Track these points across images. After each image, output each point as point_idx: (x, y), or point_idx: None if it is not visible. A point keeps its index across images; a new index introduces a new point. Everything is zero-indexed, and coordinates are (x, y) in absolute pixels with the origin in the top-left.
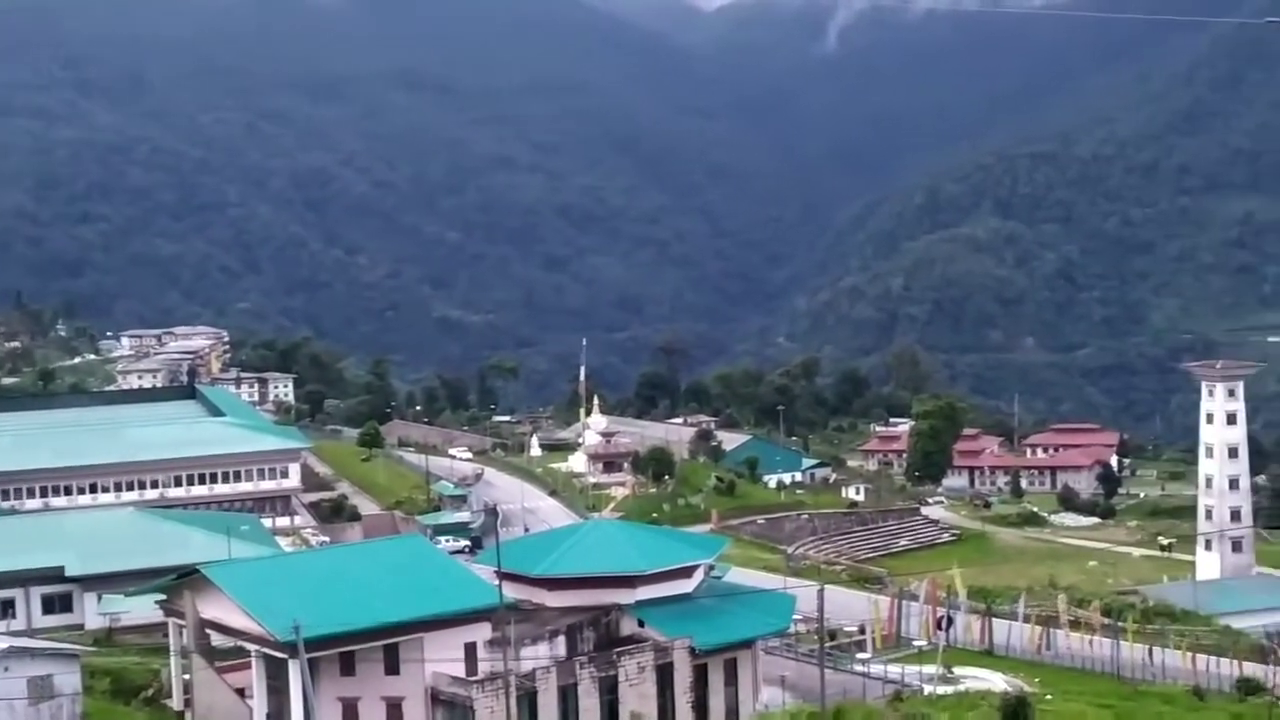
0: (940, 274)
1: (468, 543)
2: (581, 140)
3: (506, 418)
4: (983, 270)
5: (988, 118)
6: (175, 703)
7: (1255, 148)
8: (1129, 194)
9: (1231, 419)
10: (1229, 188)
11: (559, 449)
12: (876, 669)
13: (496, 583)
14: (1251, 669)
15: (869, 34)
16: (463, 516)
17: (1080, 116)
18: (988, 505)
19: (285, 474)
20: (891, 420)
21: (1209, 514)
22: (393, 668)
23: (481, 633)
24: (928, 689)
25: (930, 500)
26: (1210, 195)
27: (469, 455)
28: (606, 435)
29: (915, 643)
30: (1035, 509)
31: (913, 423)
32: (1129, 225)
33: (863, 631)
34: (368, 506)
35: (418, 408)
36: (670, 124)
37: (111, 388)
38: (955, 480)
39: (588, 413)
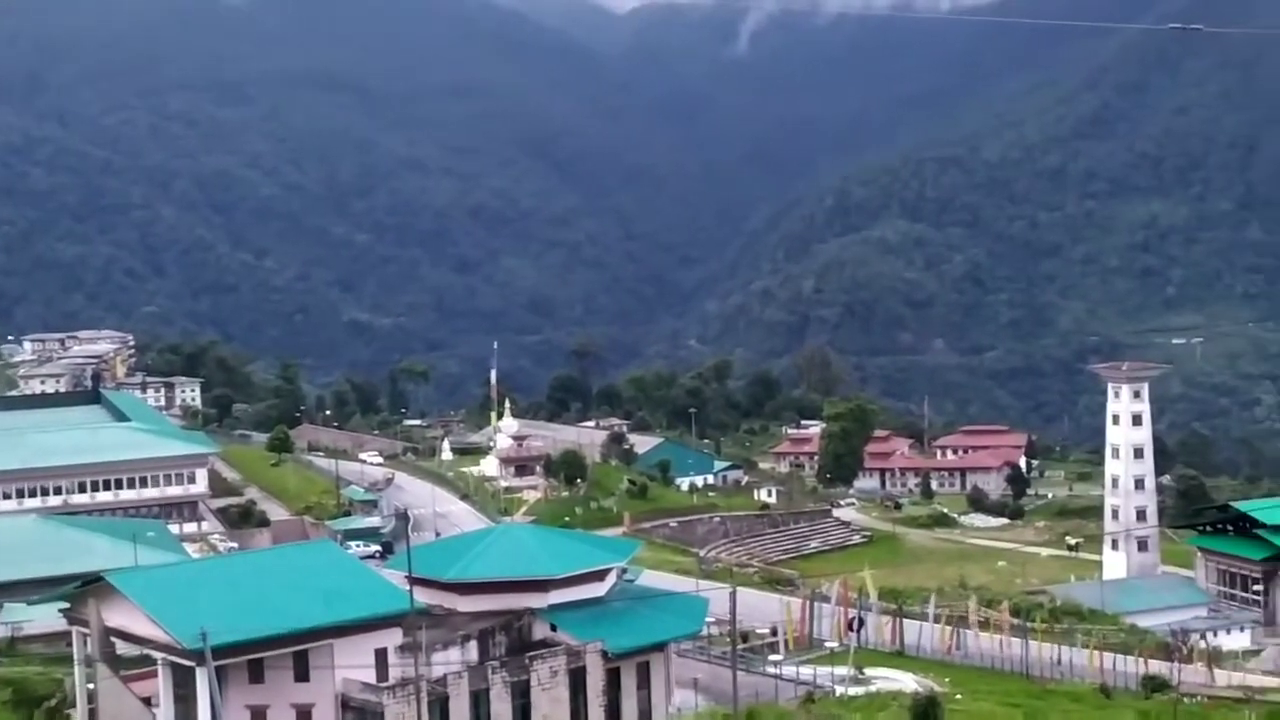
0: (850, 276)
1: (378, 548)
2: (493, 142)
3: (417, 422)
4: (892, 273)
5: (896, 121)
6: (79, 713)
7: (1159, 152)
8: (1036, 198)
9: (1137, 420)
10: (1134, 192)
11: (470, 453)
12: (788, 670)
13: (407, 588)
14: (1157, 667)
15: (780, 37)
16: (373, 521)
17: (987, 121)
18: (898, 507)
19: (192, 479)
20: (803, 422)
21: (1115, 514)
22: (302, 675)
23: (392, 638)
24: (839, 690)
25: (841, 502)
26: (1115, 199)
27: (379, 460)
28: (518, 439)
29: (827, 644)
30: (945, 510)
31: (824, 425)
32: (1036, 228)
33: (775, 633)
34: (277, 512)
35: (327, 412)
36: (582, 126)
37: (13, 393)
38: (866, 482)
39: (499, 416)
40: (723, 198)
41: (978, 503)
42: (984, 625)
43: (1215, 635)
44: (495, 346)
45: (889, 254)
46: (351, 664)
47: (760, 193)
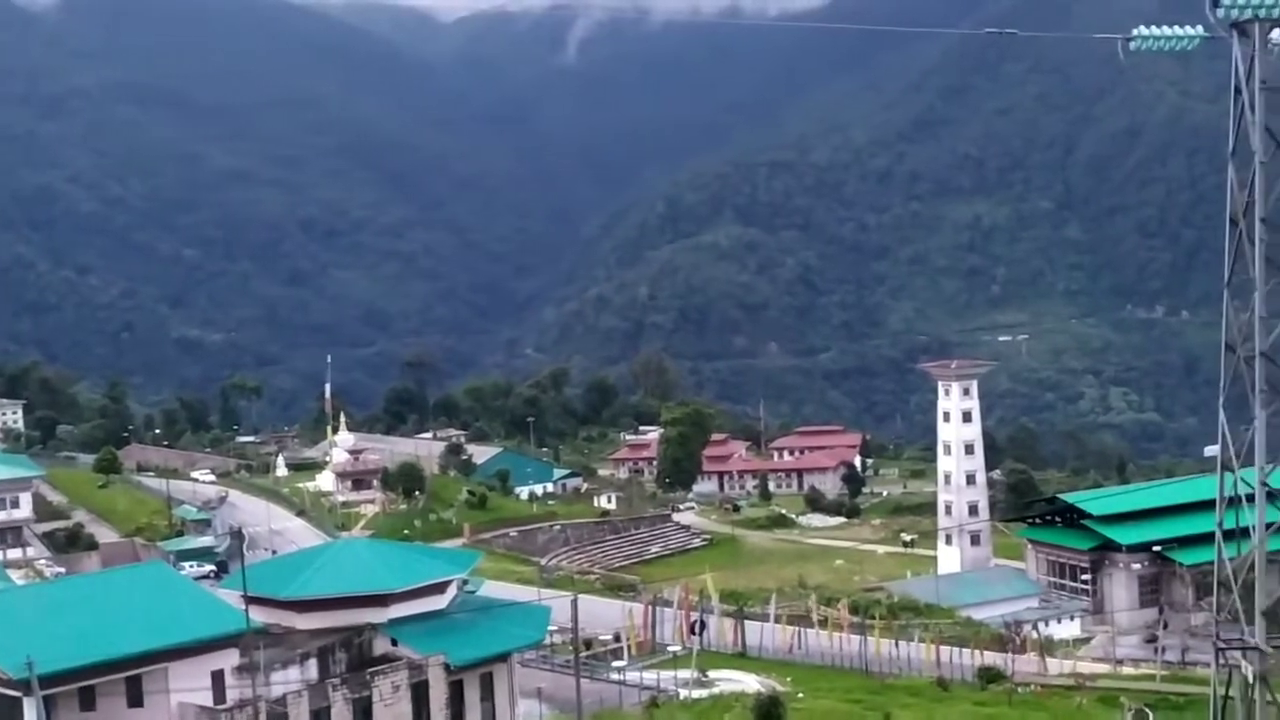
0: (684, 282)
1: (213, 567)
2: (322, 154)
3: (251, 438)
4: (725, 277)
5: (727, 126)
6: None
7: (982, 154)
8: (865, 200)
9: (967, 417)
10: (958, 193)
11: (306, 468)
12: (632, 676)
13: (243, 607)
14: (991, 658)
15: (608, 45)
16: (207, 541)
17: (816, 125)
18: (737, 509)
19: (15, 504)
20: (641, 428)
21: (948, 509)
22: (136, 700)
23: (228, 659)
24: (683, 693)
25: (681, 506)
26: (941, 200)
27: (212, 478)
28: (354, 452)
29: (670, 648)
30: (783, 511)
31: (661, 430)
32: (865, 230)
33: (618, 639)
34: (106, 534)
35: (157, 431)
36: (412, 136)
37: None
38: (705, 485)
39: (334, 430)
40: (555, 206)
41: (815, 503)
42: (824, 623)
43: (1046, 625)
44: (329, 360)
45: (722, 259)
46: (187, 687)
47: (593, 200)
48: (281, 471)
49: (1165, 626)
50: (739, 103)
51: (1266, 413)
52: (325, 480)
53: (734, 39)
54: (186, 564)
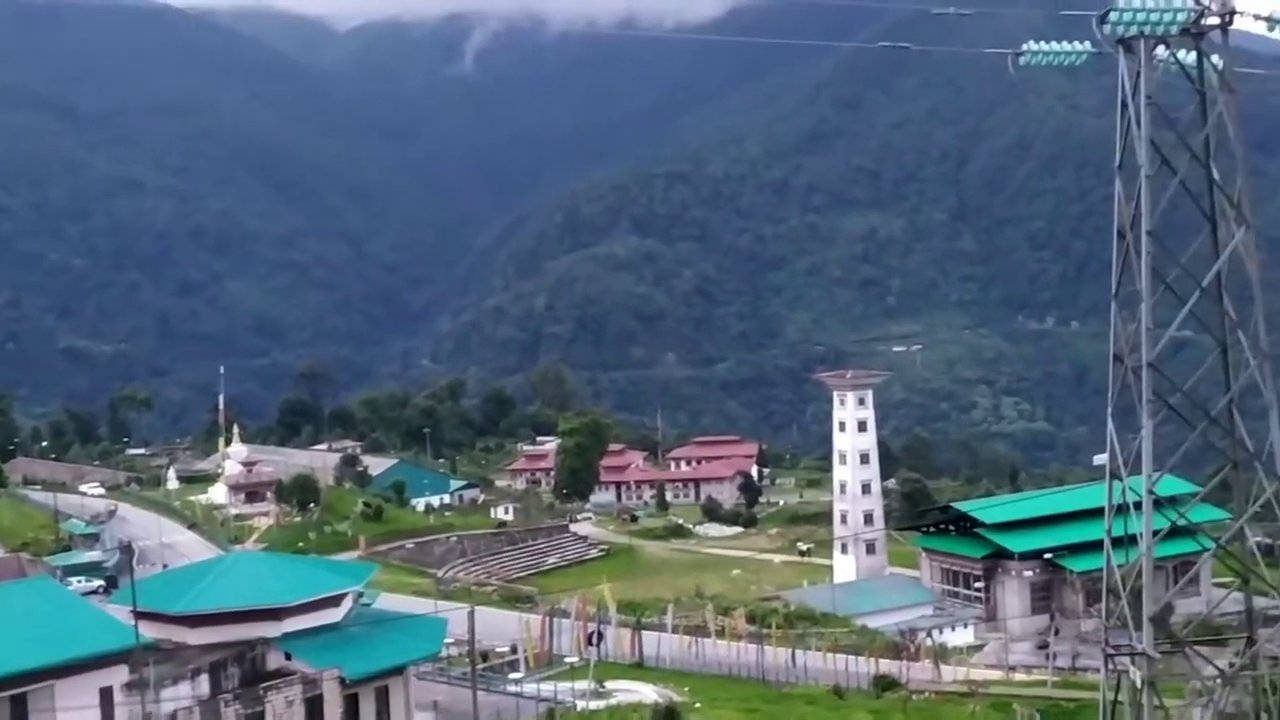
0: (582, 292)
1: (101, 582)
2: (214, 163)
3: (141, 450)
4: (623, 288)
5: (624, 138)
6: None
7: (876, 166)
8: (761, 211)
9: (862, 426)
10: (853, 204)
11: (198, 481)
12: (529, 688)
13: (133, 623)
14: (887, 666)
15: (504, 55)
16: (95, 555)
17: (712, 136)
18: (634, 519)
19: None
20: (538, 439)
21: (844, 518)
22: (21, 718)
23: (117, 676)
24: (580, 705)
25: (578, 517)
26: (836, 212)
27: (101, 491)
28: (248, 464)
29: (567, 659)
30: (681, 521)
31: (559, 441)
32: (761, 241)
33: (515, 651)
34: None
35: (44, 444)
36: (306, 146)
37: None
38: (602, 496)
39: (227, 442)
40: (451, 216)
41: (712, 512)
42: (721, 633)
43: (941, 632)
44: (222, 371)
45: (619, 269)
46: (74, 705)
47: (489, 210)
48: (173, 484)
49: (1056, 633)
50: (636, 114)
51: (1153, 422)
52: (218, 493)
53: (631, 50)
54: (74, 579)
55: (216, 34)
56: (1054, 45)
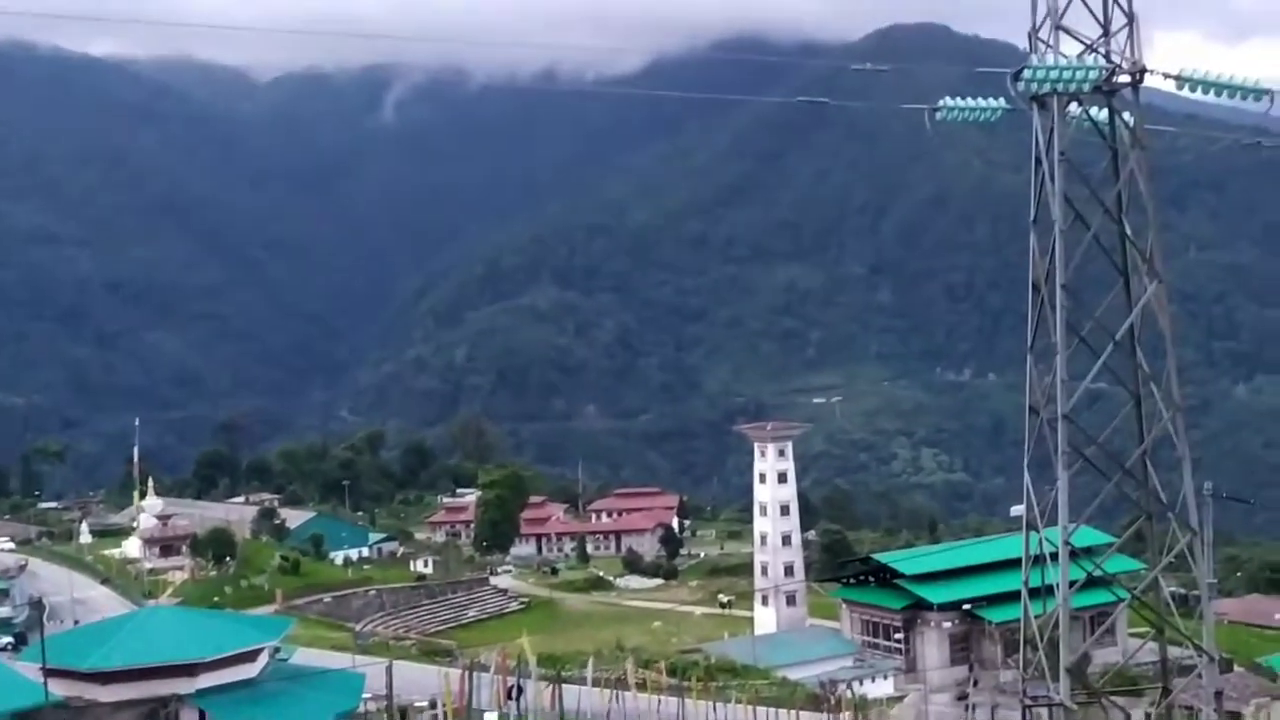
0: (502, 344)
1: (10, 639)
2: (134, 213)
3: (53, 504)
4: (544, 340)
5: (544, 189)
6: None
7: (796, 219)
8: (681, 263)
9: (783, 478)
10: (773, 257)
11: (112, 535)
12: None
13: (42, 680)
14: (808, 718)
15: (425, 107)
16: (4, 611)
17: (633, 189)
18: (555, 572)
19: None
20: (458, 491)
21: (765, 570)
22: None
23: None
24: None
25: (499, 570)
26: (756, 264)
27: (11, 545)
28: (163, 518)
29: (486, 714)
30: (601, 573)
31: (479, 493)
32: (682, 293)
33: (434, 705)
34: None
35: None
36: (227, 196)
37: None
38: (523, 548)
39: (142, 495)
40: (372, 267)
41: (633, 564)
42: (641, 686)
43: (861, 684)
44: (137, 423)
45: (540, 321)
46: None
47: (410, 261)
48: (85, 538)
49: (975, 684)
50: (556, 165)
51: (1069, 474)
52: (131, 547)
53: (552, 102)
54: None
55: (137, 84)
56: (969, 101)
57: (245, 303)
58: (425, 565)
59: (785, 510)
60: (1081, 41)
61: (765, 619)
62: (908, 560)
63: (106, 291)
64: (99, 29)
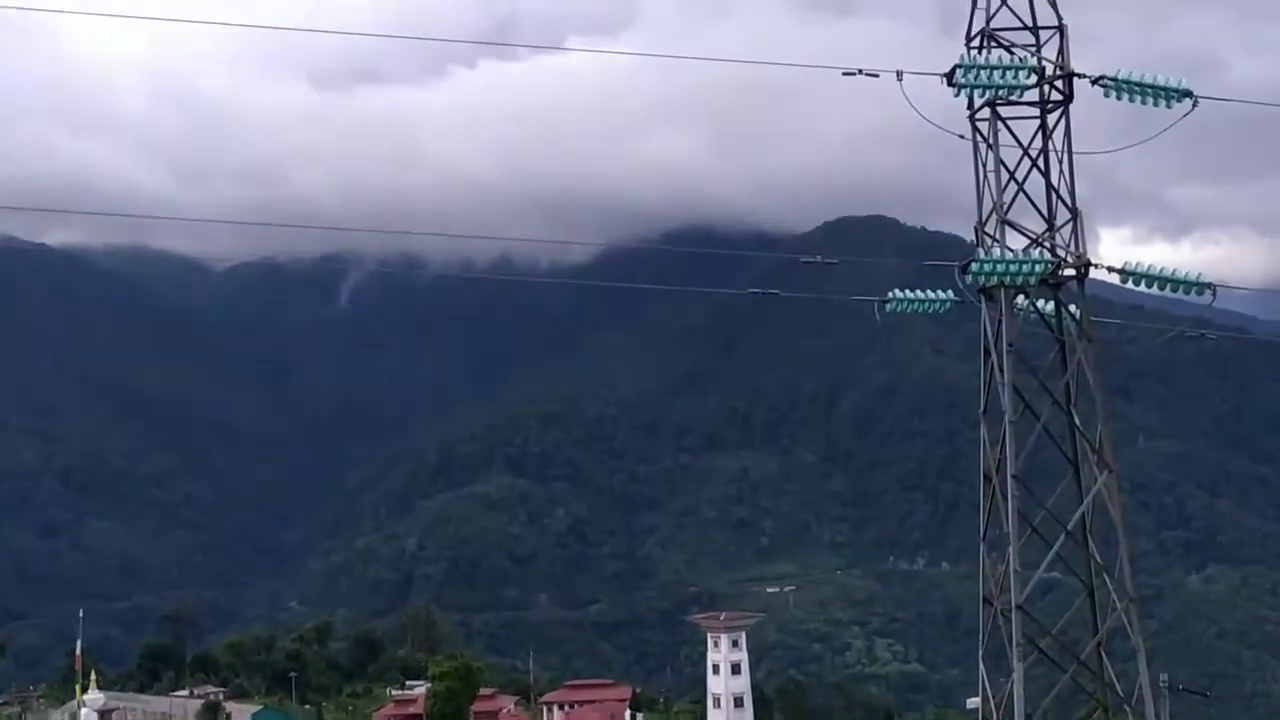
0: (455, 533)
1: None
2: (83, 402)
3: None
4: (497, 528)
5: (498, 378)
6: None
7: (748, 408)
8: (634, 452)
9: (736, 669)
10: (726, 445)
11: None
12: None
13: None
14: None
15: (379, 296)
16: None
17: (586, 378)
18: None
19: None
20: (408, 683)
21: None
22: None
23: None
24: None
25: None
26: (709, 452)
27: None
28: (104, 712)
29: None
30: None
31: (429, 685)
32: (635, 482)
33: None
34: None
35: None
36: (178, 385)
37: None
38: None
39: (84, 689)
40: (322, 455)
41: None
42: None
43: None
44: (81, 614)
45: (493, 509)
46: None
47: (361, 449)
48: None
49: None
50: (509, 354)
51: (1024, 665)
52: None
53: (506, 291)
54: None
55: (91, 274)
56: (918, 293)
57: (193, 491)
58: None
59: (739, 702)
60: (1027, 235)
61: None
62: None
63: (54, 480)
64: (55, 218)
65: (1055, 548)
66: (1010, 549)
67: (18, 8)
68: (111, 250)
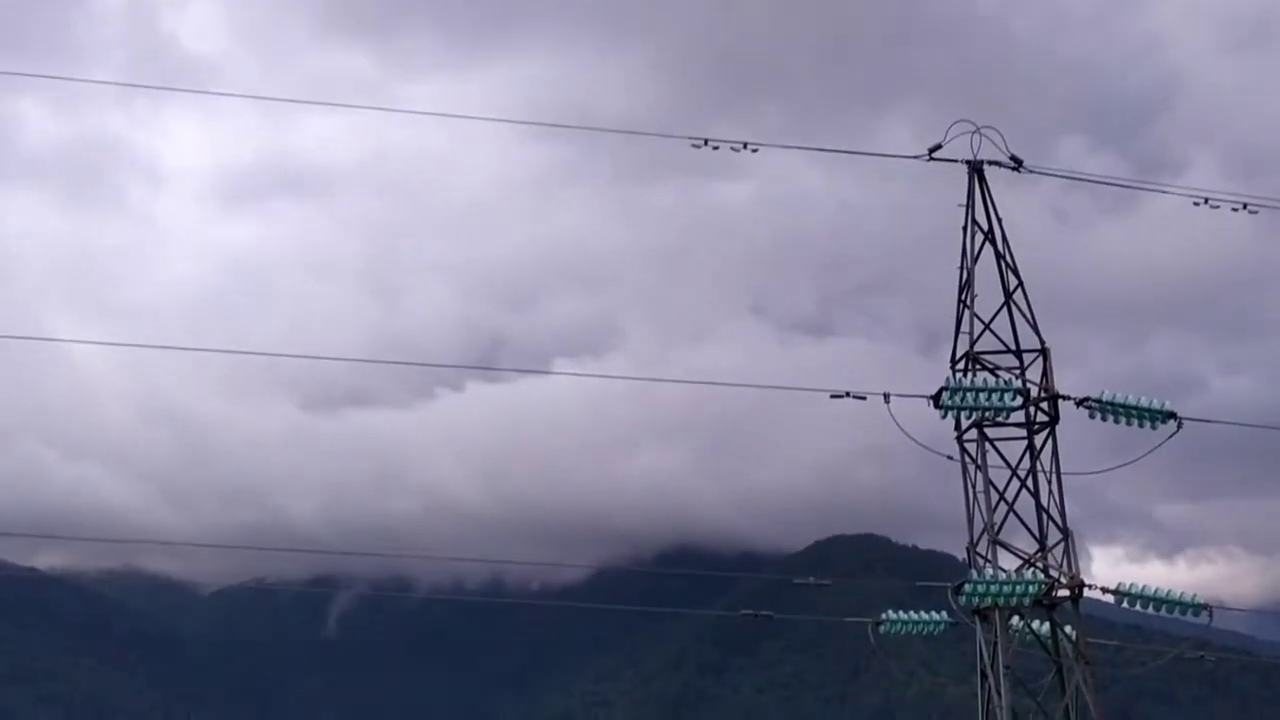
0: None
1: None
2: None
3: None
4: None
5: (488, 700)
6: None
7: None
8: None
9: None
10: None
11: None
12: None
13: None
14: None
15: (369, 618)
16: None
17: (577, 700)
18: None
19: None
20: None
21: None
22: None
23: None
24: None
25: None
26: None
27: None
28: None
29: None
30: None
31: None
32: None
33: None
34: None
35: None
36: (158, 711)
37: None
38: None
39: None
40: None
41: None
42: None
43: None
44: None
45: None
46: None
47: None
48: None
49: None
50: (500, 676)
51: None
52: None
53: (496, 613)
54: None
55: (79, 599)
56: (912, 615)
57: None
58: None
59: None
60: (1019, 556)
61: None
62: None
63: None
64: (45, 542)
65: None
66: None
67: (22, 337)
68: (104, 574)
